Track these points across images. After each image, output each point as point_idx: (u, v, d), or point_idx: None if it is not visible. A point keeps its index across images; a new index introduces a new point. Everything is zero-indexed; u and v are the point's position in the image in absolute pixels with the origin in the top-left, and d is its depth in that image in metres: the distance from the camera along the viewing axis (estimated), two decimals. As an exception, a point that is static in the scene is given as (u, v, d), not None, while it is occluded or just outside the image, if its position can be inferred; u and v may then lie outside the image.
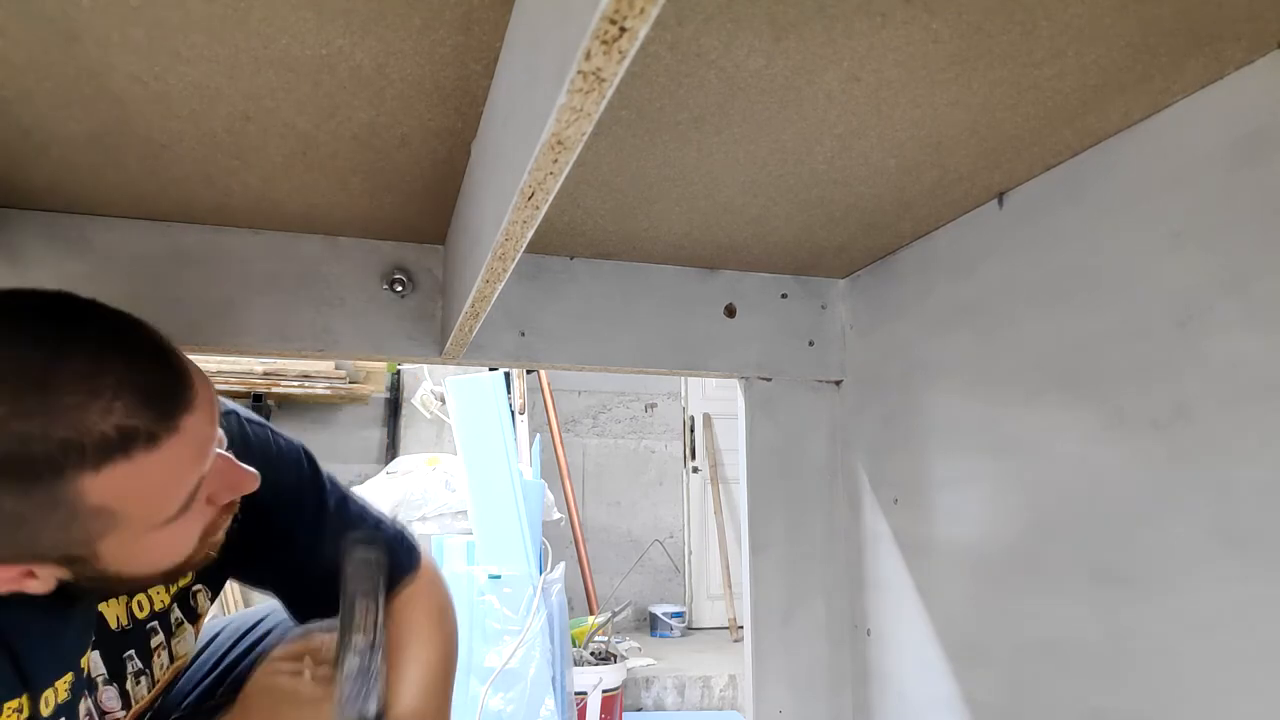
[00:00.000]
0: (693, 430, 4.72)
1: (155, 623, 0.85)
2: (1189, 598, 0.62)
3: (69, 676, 0.72)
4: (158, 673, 0.87)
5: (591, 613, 3.67)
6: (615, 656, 3.13)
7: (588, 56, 0.33)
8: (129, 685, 0.82)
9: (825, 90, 0.63)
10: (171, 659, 0.87)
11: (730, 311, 1.07)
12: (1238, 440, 0.58)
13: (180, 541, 0.65)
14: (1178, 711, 0.62)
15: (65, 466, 0.54)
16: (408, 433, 3.54)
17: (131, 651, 0.81)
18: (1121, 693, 0.67)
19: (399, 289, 0.94)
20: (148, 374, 0.57)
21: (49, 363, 0.54)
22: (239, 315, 0.90)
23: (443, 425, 3.17)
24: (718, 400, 4.68)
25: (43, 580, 0.61)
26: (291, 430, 0.91)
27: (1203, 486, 0.61)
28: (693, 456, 4.72)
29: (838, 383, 1.12)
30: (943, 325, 0.91)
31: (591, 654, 3.12)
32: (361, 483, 3.09)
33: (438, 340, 0.94)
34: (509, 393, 2.99)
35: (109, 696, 0.79)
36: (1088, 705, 0.70)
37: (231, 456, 0.67)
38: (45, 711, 0.69)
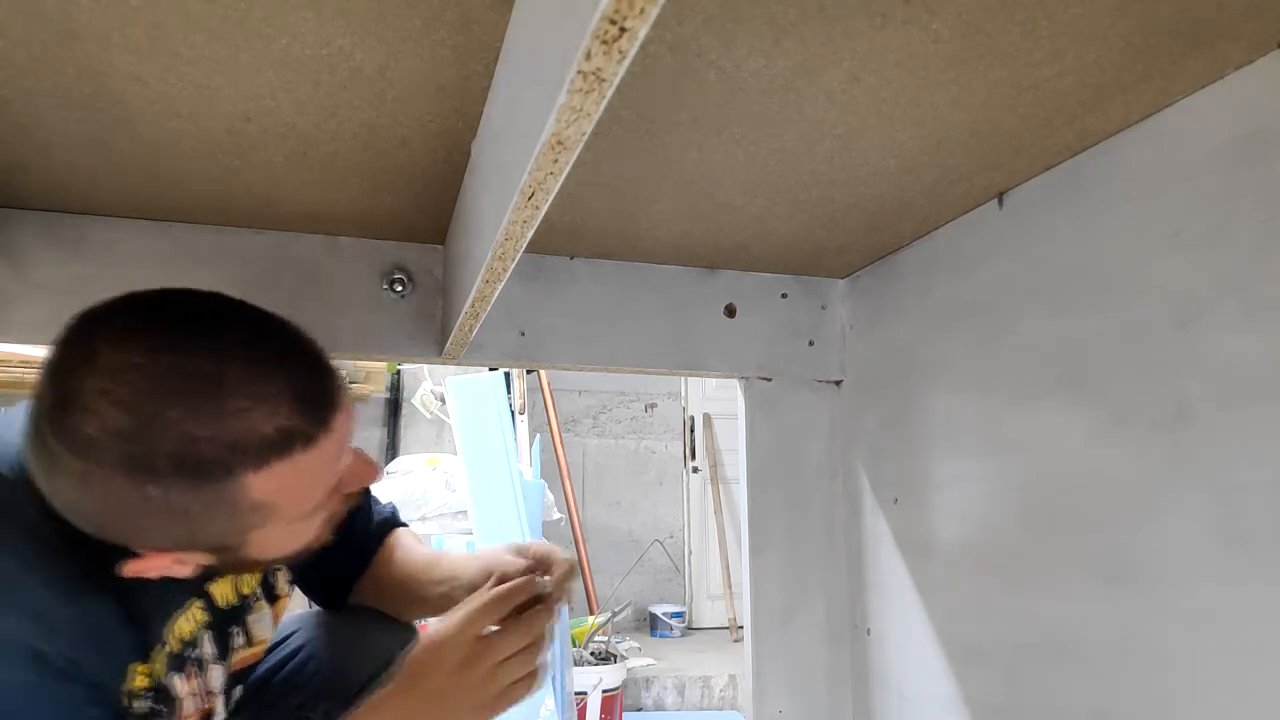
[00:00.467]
0: (693, 430, 4.73)
1: (254, 598, 0.92)
2: (1189, 597, 0.62)
3: (169, 646, 0.77)
4: (249, 646, 0.93)
5: (591, 613, 3.67)
6: (615, 656, 3.13)
7: (588, 56, 0.33)
8: (233, 661, 0.87)
9: (825, 90, 0.63)
10: (249, 641, 0.93)
11: (730, 311, 1.07)
12: (1238, 440, 0.58)
13: (313, 529, 0.71)
14: (1178, 711, 0.62)
15: (233, 466, 0.58)
16: (408, 433, 3.54)
17: (236, 627, 0.88)
18: (1122, 693, 0.67)
19: (399, 289, 0.94)
20: (305, 377, 0.62)
21: (219, 370, 0.58)
22: (239, 315, 0.90)
23: (443, 425, 3.17)
24: (718, 400, 4.68)
25: (188, 566, 0.67)
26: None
27: (1203, 486, 0.61)
28: (693, 456, 4.72)
29: (838, 383, 1.12)
30: (943, 325, 0.91)
31: (591, 654, 3.12)
32: (361, 483, 3.08)
33: (438, 340, 0.94)
34: (509, 393, 2.99)
35: (215, 674, 0.85)
36: (1088, 705, 0.70)
37: (360, 449, 0.72)
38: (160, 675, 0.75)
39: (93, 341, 0.59)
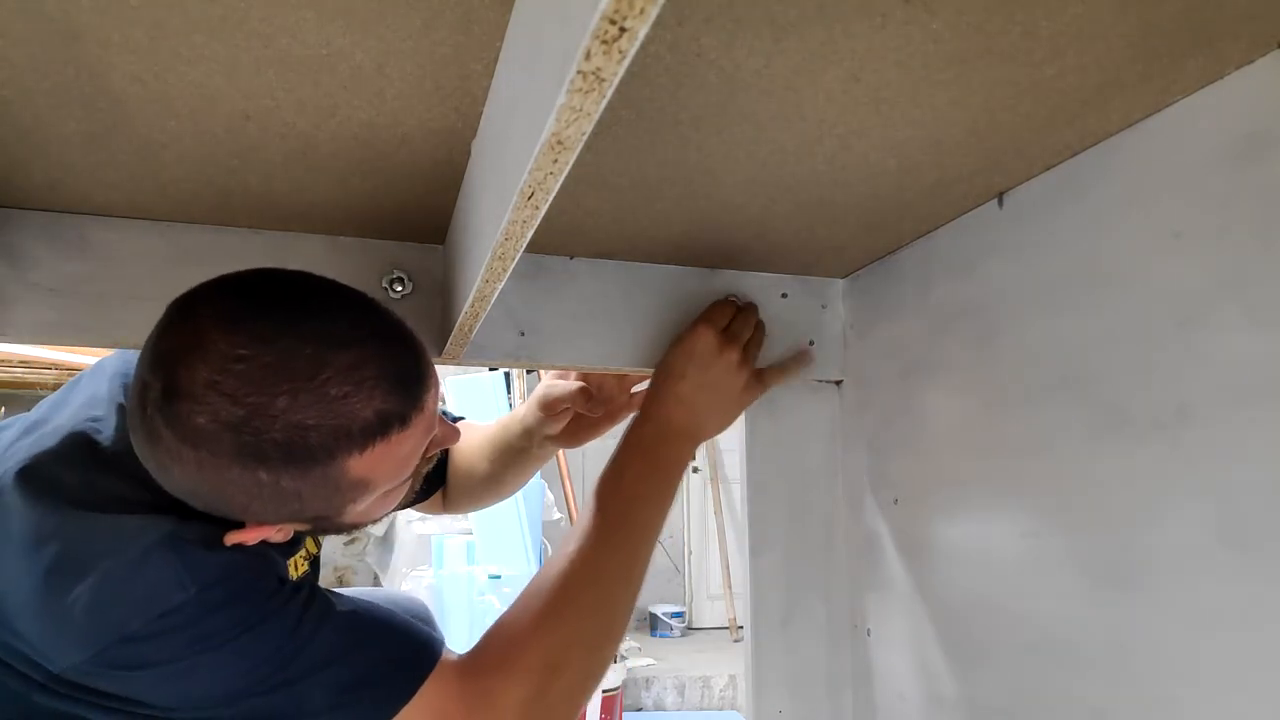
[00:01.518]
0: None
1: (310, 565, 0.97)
2: (1190, 598, 0.62)
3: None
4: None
5: (591, 613, 3.66)
6: (615, 656, 3.13)
7: (588, 56, 0.33)
8: None
9: (825, 90, 0.63)
10: None
11: (730, 311, 1.07)
12: (1238, 440, 0.58)
13: (402, 493, 0.76)
14: (1178, 712, 0.62)
15: (336, 450, 0.62)
16: (408, 433, 3.52)
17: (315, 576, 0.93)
18: (1122, 693, 0.67)
19: (399, 289, 0.94)
20: (398, 361, 0.66)
21: (320, 357, 0.61)
22: (239, 315, 0.90)
23: (443, 425, 3.16)
24: (718, 400, 4.66)
25: (286, 533, 0.72)
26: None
27: (1204, 487, 0.61)
28: (692, 456, 4.72)
29: (838, 383, 1.12)
30: (943, 325, 0.91)
31: (591, 654, 3.11)
32: (361, 483, 3.08)
33: (438, 340, 0.94)
34: (509, 393, 2.99)
35: None
36: (1088, 706, 0.70)
37: (441, 415, 0.78)
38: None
39: (199, 329, 0.62)
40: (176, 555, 0.65)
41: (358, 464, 0.64)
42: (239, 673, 0.67)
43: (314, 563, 0.95)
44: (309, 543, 0.90)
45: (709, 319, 0.91)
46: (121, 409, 0.75)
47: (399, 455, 0.67)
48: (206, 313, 0.63)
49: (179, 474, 0.63)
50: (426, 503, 1.11)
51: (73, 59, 0.59)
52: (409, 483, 0.75)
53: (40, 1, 0.53)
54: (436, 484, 1.10)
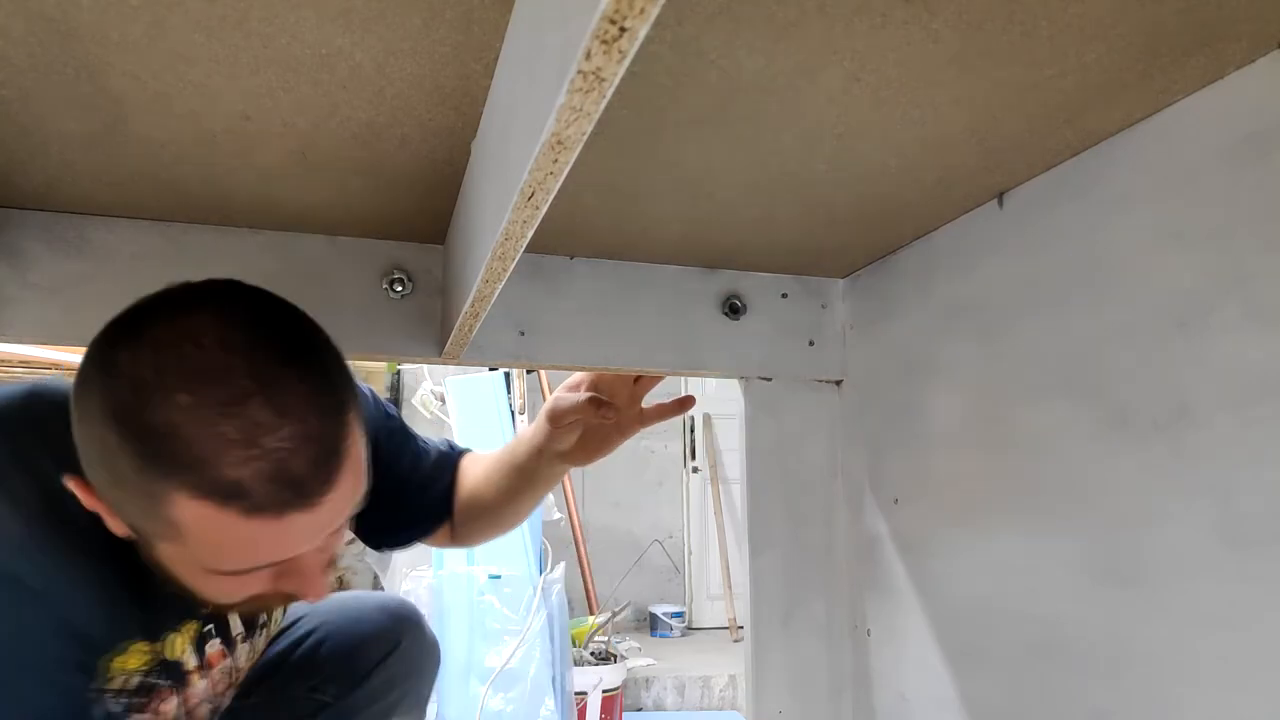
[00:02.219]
0: (693, 430, 4.72)
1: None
2: (1190, 598, 0.62)
3: (194, 625, 0.80)
4: (273, 627, 0.96)
5: (591, 613, 3.67)
6: (615, 656, 3.13)
7: (588, 56, 0.33)
8: (240, 645, 0.90)
9: (825, 90, 0.63)
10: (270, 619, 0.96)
11: (731, 311, 1.07)
12: (1239, 440, 0.58)
13: (224, 592, 0.68)
14: (1179, 712, 0.62)
15: (175, 475, 0.57)
16: (408, 433, 3.52)
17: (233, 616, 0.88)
18: (1123, 693, 0.67)
19: (399, 289, 0.94)
20: (303, 460, 0.59)
21: (247, 398, 0.57)
22: (239, 315, 0.90)
23: (443, 425, 3.17)
24: (718, 400, 4.68)
25: (117, 528, 0.66)
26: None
27: (1204, 486, 0.61)
28: (693, 456, 4.72)
29: (838, 383, 1.12)
30: (943, 325, 0.91)
31: (591, 654, 3.12)
32: (361, 483, 3.08)
33: (438, 340, 0.94)
34: (509, 393, 2.99)
35: (242, 653, 0.89)
36: (1088, 706, 0.70)
37: (320, 565, 0.69)
38: (170, 655, 0.77)
39: (189, 301, 0.62)
40: None
41: (184, 504, 0.58)
42: None
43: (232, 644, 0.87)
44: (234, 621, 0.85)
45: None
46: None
47: (224, 536, 0.60)
48: (214, 300, 0.63)
49: (74, 394, 0.61)
50: (434, 536, 1.10)
51: (73, 59, 0.59)
52: (247, 597, 0.68)
53: (40, 2, 0.53)
54: (443, 515, 1.08)
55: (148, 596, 0.72)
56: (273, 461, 0.57)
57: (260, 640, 0.94)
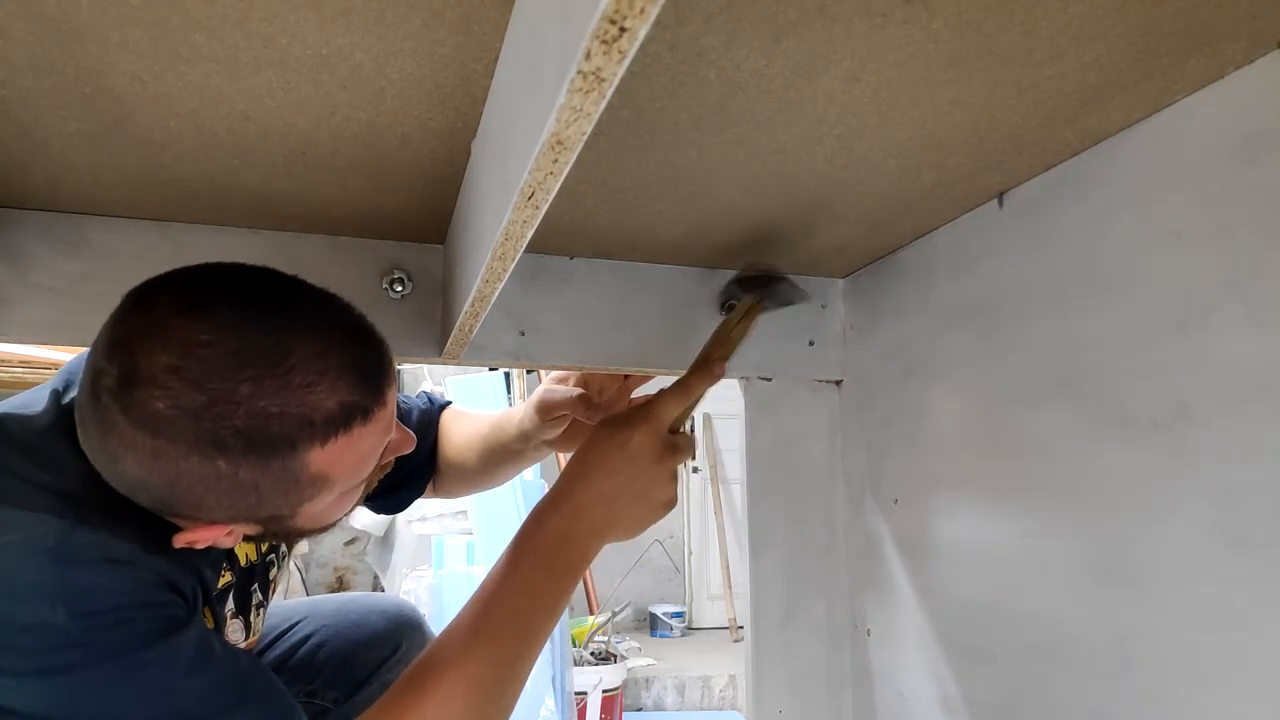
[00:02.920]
0: (693, 430, 4.73)
1: (272, 555, 0.94)
2: (1190, 598, 0.62)
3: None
4: (270, 603, 0.96)
5: (591, 613, 3.67)
6: (615, 656, 3.13)
7: (588, 56, 0.33)
8: (252, 617, 0.90)
9: (825, 90, 0.63)
10: (265, 598, 0.95)
11: (730, 311, 1.07)
12: (1239, 440, 0.58)
13: (356, 498, 0.73)
14: (1179, 712, 0.62)
15: (299, 440, 0.60)
16: (408, 433, 3.52)
17: (255, 585, 0.90)
18: (1122, 693, 0.67)
19: (399, 289, 0.94)
20: (362, 352, 0.64)
21: (283, 346, 0.59)
22: (239, 315, 0.90)
23: (443, 425, 3.16)
24: (718, 400, 4.68)
25: (235, 536, 0.68)
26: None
27: (1204, 487, 0.61)
28: (693, 456, 4.72)
29: (838, 383, 1.12)
30: (943, 325, 0.91)
31: (591, 654, 3.12)
32: (361, 483, 3.08)
33: (438, 340, 0.94)
34: (509, 393, 2.99)
35: (235, 629, 0.87)
36: (1088, 706, 0.70)
37: (398, 420, 0.74)
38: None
39: (159, 315, 0.60)
40: (55, 569, 0.60)
41: (319, 457, 0.61)
42: (100, 702, 0.61)
43: (248, 570, 0.88)
44: (247, 544, 0.86)
45: (656, 418, 0.80)
46: (56, 394, 0.71)
47: (359, 451, 0.65)
48: (166, 300, 0.61)
49: (131, 465, 0.59)
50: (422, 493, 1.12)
51: (73, 59, 0.59)
52: (363, 487, 0.72)
53: (40, 2, 0.53)
54: (430, 472, 1.09)
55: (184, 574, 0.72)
56: (349, 371, 0.62)
57: (258, 620, 0.94)
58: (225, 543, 0.68)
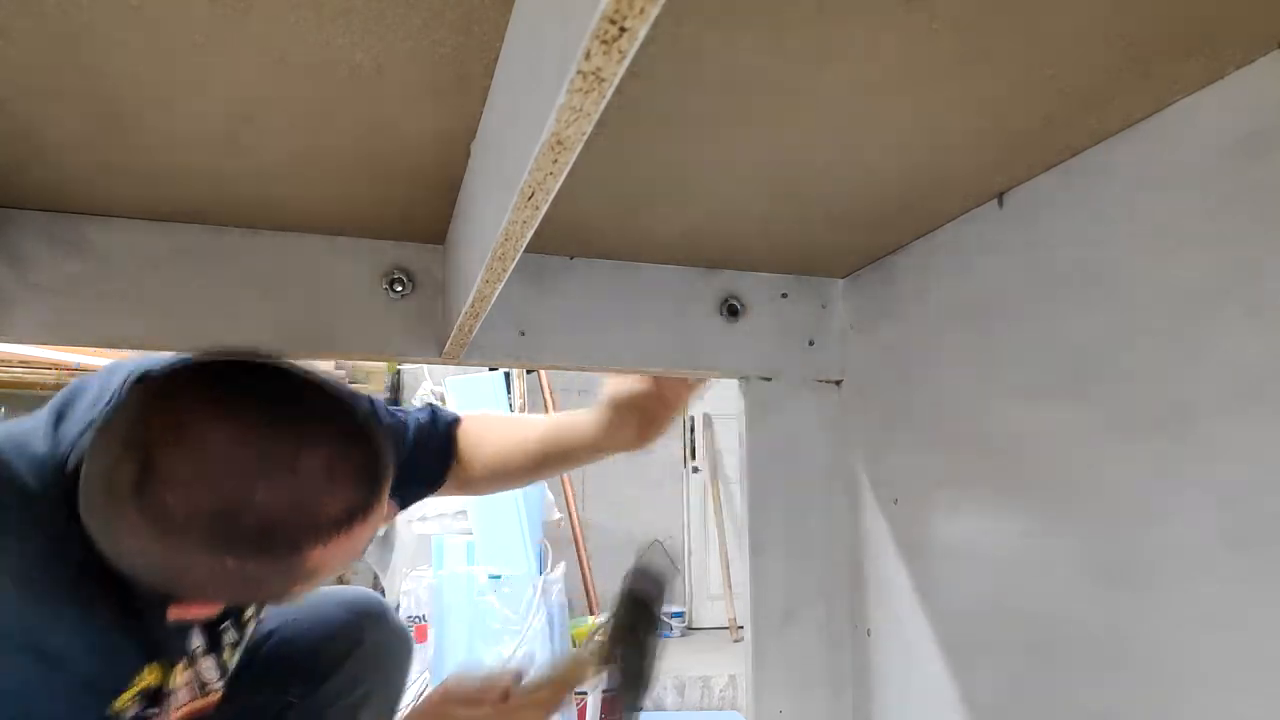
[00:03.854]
0: (693, 430, 4.72)
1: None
2: (1190, 598, 0.62)
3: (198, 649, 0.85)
4: (245, 641, 0.98)
5: (591, 613, 3.67)
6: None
7: (588, 56, 0.33)
8: (226, 656, 0.92)
9: (825, 90, 0.63)
10: (240, 638, 0.97)
11: (730, 311, 1.07)
12: (1238, 440, 0.58)
13: (329, 577, 0.76)
14: (1179, 712, 0.62)
15: (304, 542, 0.63)
16: (408, 433, 3.52)
17: (228, 623, 0.91)
18: (1123, 693, 0.67)
19: (399, 289, 0.94)
20: (366, 454, 0.67)
21: (299, 452, 0.63)
22: (238, 315, 0.90)
23: (443, 425, 3.16)
24: (718, 400, 4.67)
25: (215, 609, 0.74)
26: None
27: (1204, 486, 0.61)
28: (693, 456, 4.72)
29: (838, 383, 1.12)
30: (943, 325, 0.91)
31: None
32: (361, 483, 3.07)
33: (438, 340, 0.94)
34: (509, 393, 2.99)
35: (207, 668, 0.89)
36: (1088, 706, 0.70)
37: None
38: (170, 684, 0.80)
39: (179, 414, 0.63)
40: None
41: (319, 554, 0.65)
42: None
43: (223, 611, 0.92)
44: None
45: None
46: (53, 426, 0.73)
47: (356, 545, 0.69)
48: (186, 398, 0.64)
49: (132, 550, 0.63)
50: (437, 491, 1.14)
51: (73, 59, 0.59)
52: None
53: (40, 2, 0.53)
54: (438, 479, 1.10)
55: (152, 631, 0.75)
56: (354, 475, 0.65)
57: (231, 659, 0.96)
58: (205, 615, 0.73)
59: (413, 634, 1.23)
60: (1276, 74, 0.57)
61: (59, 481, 0.68)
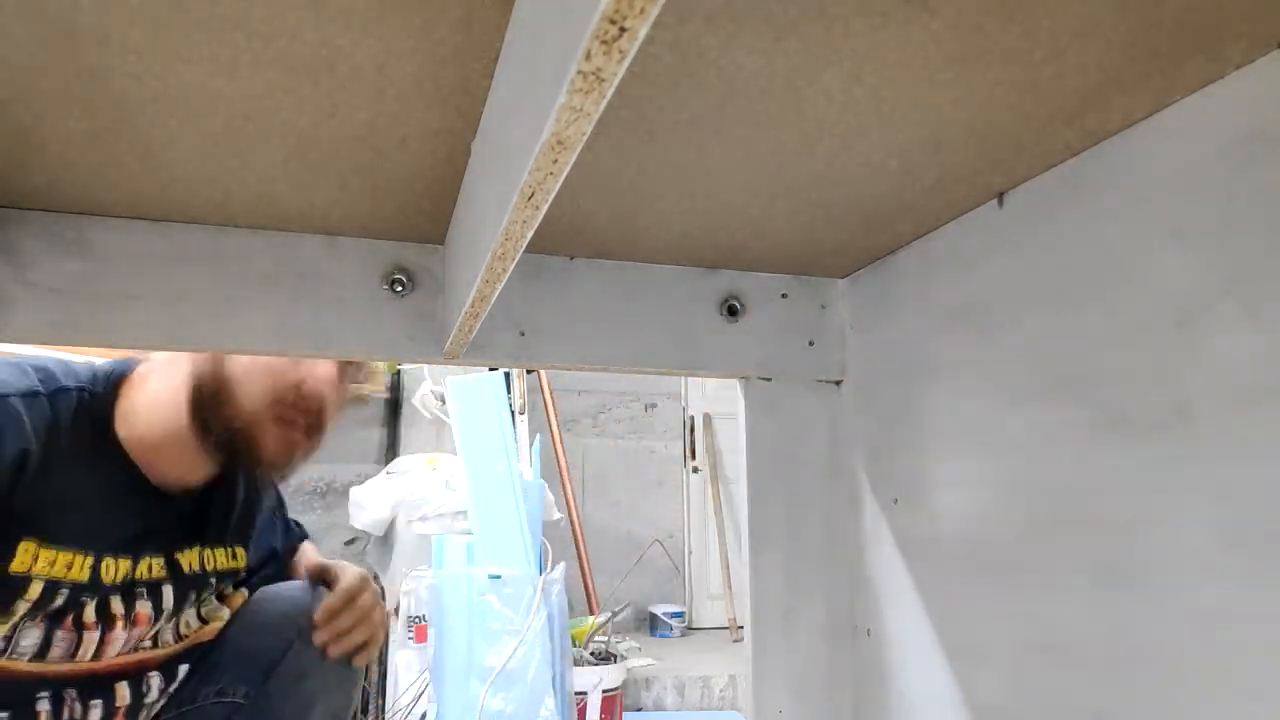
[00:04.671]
0: (693, 430, 4.72)
1: (212, 579, 1.08)
2: (1190, 598, 0.62)
3: (153, 562, 1.00)
4: (190, 624, 1.09)
5: (591, 613, 3.67)
6: (615, 656, 3.12)
7: (588, 56, 0.33)
8: (186, 619, 1.05)
9: (825, 90, 0.63)
10: (202, 620, 1.09)
11: (730, 311, 1.07)
12: (1238, 440, 0.58)
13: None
14: (1179, 712, 0.62)
15: None
16: (408, 433, 3.53)
17: (192, 594, 1.04)
18: (1122, 693, 0.67)
19: (399, 289, 0.94)
20: None
21: None
22: (238, 315, 0.90)
23: (443, 425, 3.17)
24: (718, 400, 4.68)
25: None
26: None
27: (1203, 487, 0.61)
28: (693, 456, 4.72)
29: (838, 383, 1.12)
30: (943, 325, 0.91)
31: (591, 654, 3.12)
32: (361, 483, 3.09)
33: (438, 340, 0.94)
34: (509, 393, 2.99)
35: (167, 630, 1.01)
36: (1088, 706, 0.70)
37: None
38: (107, 577, 0.94)
39: None
40: None
41: None
42: None
43: (189, 579, 1.06)
44: (191, 555, 1.04)
45: None
46: None
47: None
48: None
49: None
50: None
51: (73, 59, 0.59)
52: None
53: (40, 1, 0.53)
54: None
55: (125, 512, 0.83)
56: None
57: (187, 618, 1.02)
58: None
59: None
60: (1276, 74, 0.58)
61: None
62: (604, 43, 0.33)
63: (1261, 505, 0.57)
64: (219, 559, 1.08)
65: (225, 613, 1.12)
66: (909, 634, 0.95)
